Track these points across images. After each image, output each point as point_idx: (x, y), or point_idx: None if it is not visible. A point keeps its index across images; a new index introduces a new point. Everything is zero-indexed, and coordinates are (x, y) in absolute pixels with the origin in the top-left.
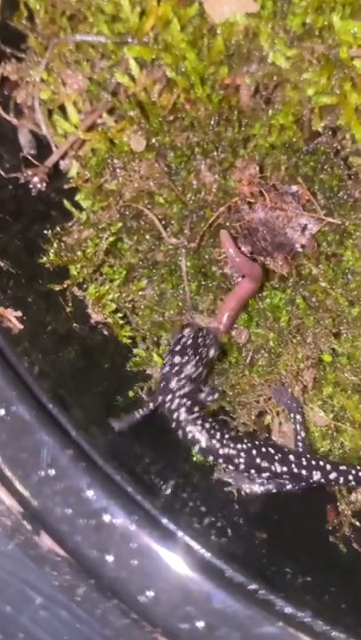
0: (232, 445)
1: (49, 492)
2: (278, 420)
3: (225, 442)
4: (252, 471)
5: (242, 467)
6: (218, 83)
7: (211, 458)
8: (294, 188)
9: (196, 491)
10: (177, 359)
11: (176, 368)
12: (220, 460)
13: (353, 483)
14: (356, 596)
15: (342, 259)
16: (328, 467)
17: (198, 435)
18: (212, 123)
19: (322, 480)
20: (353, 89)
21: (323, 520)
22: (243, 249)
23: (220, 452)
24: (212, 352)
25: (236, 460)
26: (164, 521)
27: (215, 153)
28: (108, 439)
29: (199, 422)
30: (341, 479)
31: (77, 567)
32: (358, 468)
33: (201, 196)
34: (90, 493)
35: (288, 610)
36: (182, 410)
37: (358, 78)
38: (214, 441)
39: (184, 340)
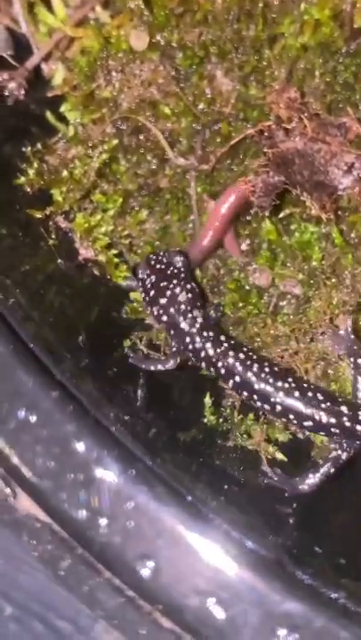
0: (271, 381)
1: (28, 440)
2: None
3: (263, 375)
4: (291, 416)
5: (278, 408)
6: None
7: (245, 394)
8: (342, 119)
9: (205, 452)
10: (162, 301)
11: (171, 309)
12: (255, 397)
13: None
14: None
15: None
16: None
17: (232, 367)
18: (230, 18)
19: None
20: None
21: None
22: (275, 179)
23: (256, 386)
24: (179, 263)
25: (272, 399)
26: (167, 478)
27: (234, 55)
28: (103, 389)
29: (231, 354)
30: None
31: (61, 533)
32: None
33: (216, 107)
34: (78, 443)
35: (320, 589)
36: (208, 345)
37: None
38: (250, 373)
39: (146, 280)
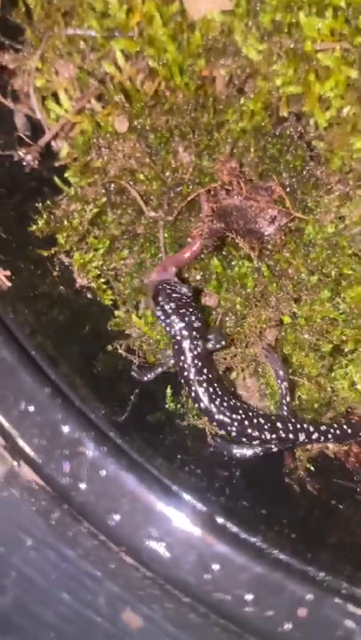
0: (228, 414)
1: (27, 424)
2: (243, 376)
3: (222, 409)
4: (244, 439)
5: (233, 434)
6: (196, 73)
7: (206, 419)
8: (269, 184)
9: (165, 431)
10: (180, 324)
11: (185, 331)
12: (215, 424)
13: (331, 440)
14: (306, 529)
15: (304, 232)
16: (311, 428)
17: (201, 396)
18: (189, 108)
19: (306, 440)
20: (316, 80)
21: (280, 463)
22: (218, 226)
23: (216, 417)
24: (190, 293)
25: (228, 428)
26: (132, 453)
27: (192, 135)
28: (88, 385)
29: (205, 385)
30: (322, 438)
31: (52, 494)
32: (335, 426)
33: (178, 174)
34: (64, 427)
35: (242, 535)
36: (193, 370)
37: (321, 70)
38: (213, 406)
39: (165, 306)
